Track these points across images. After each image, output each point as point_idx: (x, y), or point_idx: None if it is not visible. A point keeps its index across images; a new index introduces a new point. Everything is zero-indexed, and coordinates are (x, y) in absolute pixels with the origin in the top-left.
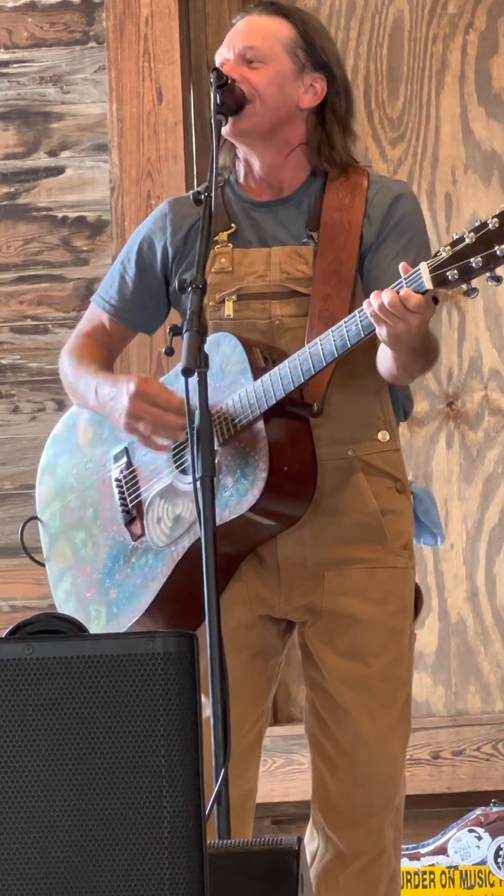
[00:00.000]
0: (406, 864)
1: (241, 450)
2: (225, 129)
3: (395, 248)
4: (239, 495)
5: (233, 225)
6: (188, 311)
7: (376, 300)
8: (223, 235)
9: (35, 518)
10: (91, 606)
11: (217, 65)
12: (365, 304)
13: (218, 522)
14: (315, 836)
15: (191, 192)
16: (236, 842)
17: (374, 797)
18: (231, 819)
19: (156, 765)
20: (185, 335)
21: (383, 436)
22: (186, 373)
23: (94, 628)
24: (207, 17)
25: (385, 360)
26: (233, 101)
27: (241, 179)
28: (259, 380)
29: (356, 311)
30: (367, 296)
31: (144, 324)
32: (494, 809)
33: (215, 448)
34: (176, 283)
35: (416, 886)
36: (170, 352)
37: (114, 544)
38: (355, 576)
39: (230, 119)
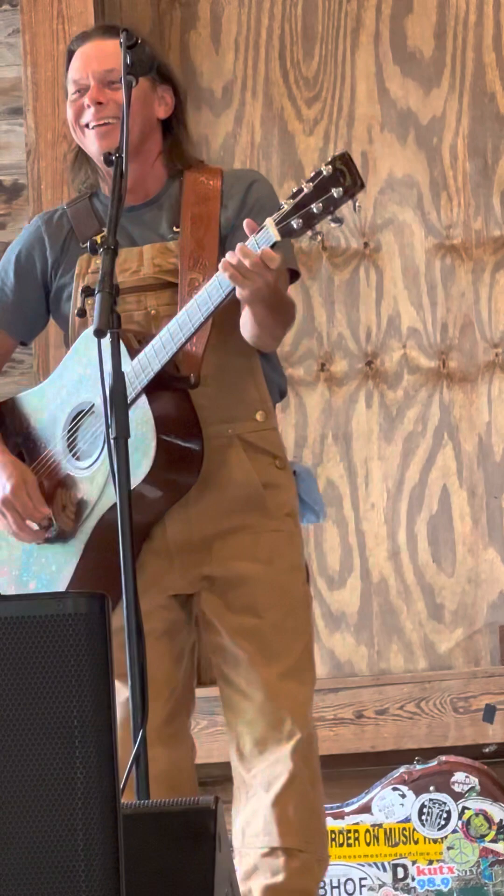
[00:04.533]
0: (331, 823)
1: (132, 429)
2: (94, 152)
3: None
4: (134, 468)
5: (104, 229)
6: (100, 272)
7: (234, 258)
8: (97, 239)
9: None
10: None
11: (74, 91)
12: (221, 265)
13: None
14: (239, 792)
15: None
16: (153, 802)
17: (279, 733)
18: (160, 793)
19: (68, 726)
20: (97, 296)
21: (261, 416)
22: (98, 334)
23: None
24: None
25: (247, 322)
26: (143, 60)
27: (107, 190)
28: (135, 358)
29: (215, 275)
30: None
31: (26, 332)
32: (418, 767)
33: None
34: (58, 286)
35: (341, 845)
36: (81, 313)
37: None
38: (241, 540)
39: (98, 140)
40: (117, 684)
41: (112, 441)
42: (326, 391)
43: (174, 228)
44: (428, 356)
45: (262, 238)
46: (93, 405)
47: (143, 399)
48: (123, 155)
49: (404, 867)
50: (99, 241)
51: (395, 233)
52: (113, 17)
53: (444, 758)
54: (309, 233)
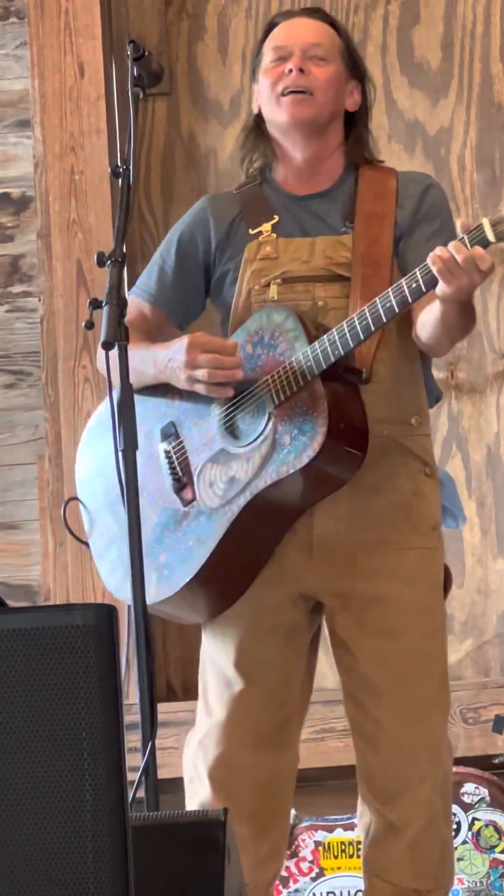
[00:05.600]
0: (341, 834)
1: (298, 410)
2: (281, 121)
3: (428, 231)
4: (297, 451)
5: (275, 216)
6: (108, 285)
7: (445, 252)
8: (267, 226)
9: (75, 499)
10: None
11: (275, 58)
12: (430, 258)
13: (276, 478)
14: (366, 811)
15: (227, 190)
16: (163, 813)
17: (418, 770)
18: (256, 800)
19: (77, 738)
20: (105, 308)
21: (416, 420)
22: (106, 346)
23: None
24: None
25: (430, 322)
26: (150, 74)
27: (280, 175)
28: (317, 342)
29: (416, 270)
30: (404, 274)
31: (182, 314)
32: None
33: (271, 410)
34: (222, 270)
35: (352, 856)
36: (89, 325)
37: (162, 513)
38: (385, 556)
39: (290, 107)
40: (236, 677)
41: (120, 453)
42: None
43: (347, 223)
44: (437, 367)
45: (475, 237)
46: (257, 385)
47: (319, 383)
48: (130, 167)
49: None
50: (106, 254)
51: None
52: (120, 29)
53: (453, 769)
54: None
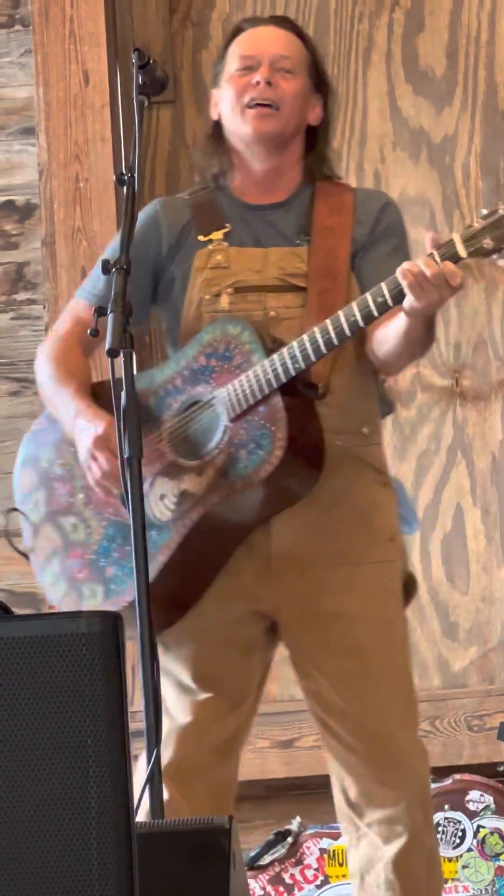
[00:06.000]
0: (347, 842)
1: (255, 423)
2: (245, 133)
3: (386, 249)
4: (254, 464)
5: (227, 225)
6: (112, 292)
7: (416, 269)
8: (219, 234)
9: (15, 510)
10: (84, 587)
11: (241, 67)
12: (400, 274)
13: (228, 493)
14: (345, 824)
15: (180, 193)
16: (168, 821)
17: (386, 788)
18: (210, 803)
19: (82, 745)
20: (110, 316)
21: (368, 429)
22: (111, 353)
23: (89, 607)
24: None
25: (392, 337)
26: (154, 82)
27: (235, 184)
28: (274, 355)
29: (382, 284)
30: (361, 290)
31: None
32: (432, 785)
33: (226, 423)
34: (171, 275)
35: None
36: (94, 332)
37: (110, 525)
38: (343, 572)
39: (255, 120)
40: (194, 687)
41: (125, 460)
42: None
43: (303, 235)
44: (441, 375)
45: (446, 253)
46: (213, 398)
47: (277, 398)
48: (135, 174)
49: None
50: (111, 261)
51: None
52: (125, 37)
53: (458, 776)
54: (495, 256)
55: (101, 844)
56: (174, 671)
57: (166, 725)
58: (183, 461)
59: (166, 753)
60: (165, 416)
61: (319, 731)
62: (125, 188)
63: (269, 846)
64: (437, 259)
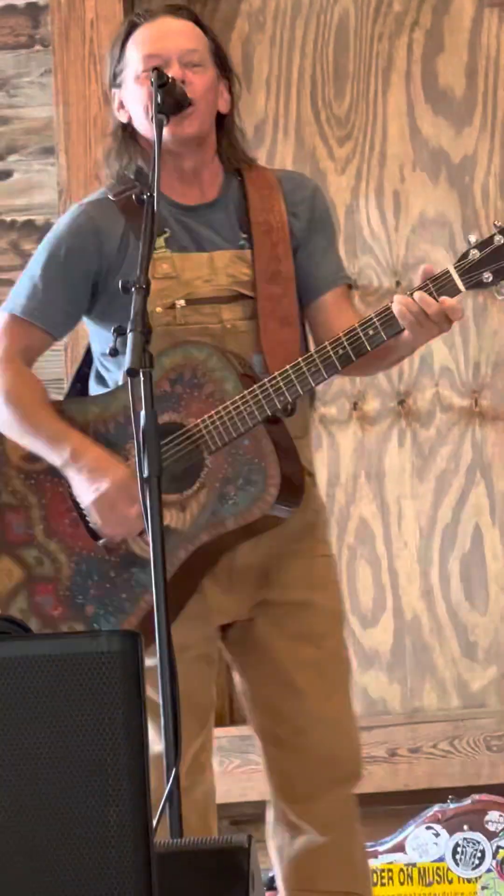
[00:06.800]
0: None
1: (241, 458)
2: (165, 138)
3: (323, 243)
4: (247, 501)
5: (166, 230)
6: (132, 312)
7: (414, 308)
8: (160, 240)
9: None
10: (62, 625)
11: (149, 65)
12: (397, 311)
13: (220, 531)
14: (278, 832)
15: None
16: (187, 840)
17: (338, 773)
18: (198, 819)
19: (101, 764)
20: (130, 336)
21: (302, 431)
22: (131, 373)
23: None
24: None
25: (378, 359)
26: (173, 100)
27: (165, 184)
28: (256, 386)
29: (372, 316)
30: (302, 289)
31: (61, 329)
32: (451, 806)
33: (207, 456)
34: (119, 284)
35: (375, 884)
36: (114, 352)
37: (81, 561)
38: (296, 565)
39: (172, 126)
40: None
41: (143, 480)
42: (359, 430)
43: (243, 235)
44: (460, 395)
45: (442, 287)
46: (190, 428)
47: (262, 431)
48: (155, 194)
49: None
50: (131, 281)
51: None
52: None
53: (477, 796)
54: (493, 288)
55: (120, 864)
56: (150, 694)
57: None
58: (166, 494)
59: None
60: (129, 445)
61: (259, 724)
62: (144, 208)
63: None
64: (434, 294)
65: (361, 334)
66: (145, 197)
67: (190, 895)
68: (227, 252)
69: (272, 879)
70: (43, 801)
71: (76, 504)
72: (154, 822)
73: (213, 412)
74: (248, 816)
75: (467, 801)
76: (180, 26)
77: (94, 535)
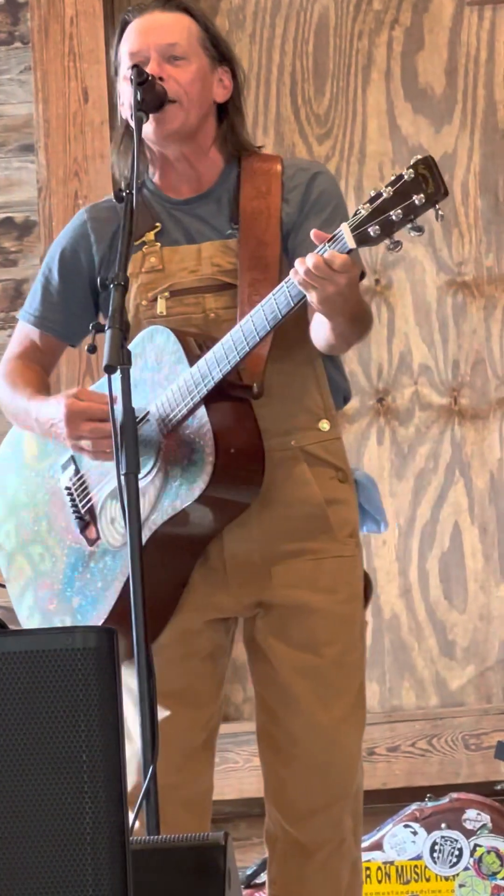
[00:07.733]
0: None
1: (186, 438)
2: (149, 134)
3: (318, 222)
4: (189, 483)
5: (157, 224)
6: (110, 308)
7: (301, 266)
8: (150, 235)
9: None
10: (55, 618)
11: (133, 63)
12: (291, 272)
13: (171, 513)
14: (272, 829)
15: (106, 196)
16: (163, 838)
17: (331, 785)
18: (191, 817)
19: (77, 760)
20: (108, 332)
21: (324, 425)
22: (108, 370)
23: None
24: None
25: (321, 330)
26: (153, 98)
27: (159, 178)
28: (195, 365)
29: (283, 282)
30: None
31: (73, 334)
32: (429, 804)
33: (160, 440)
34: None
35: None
36: (92, 349)
37: (71, 553)
38: (303, 567)
39: (154, 122)
40: (161, 704)
41: (122, 477)
42: None
43: (233, 225)
44: (439, 393)
45: (336, 245)
46: (147, 413)
47: (202, 410)
48: (133, 191)
49: None
50: (109, 277)
51: (406, 269)
52: None
53: (455, 795)
54: (387, 241)
55: (95, 860)
56: (134, 689)
57: (127, 750)
58: None
59: (130, 780)
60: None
61: (261, 726)
62: (123, 205)
63: (265, 865)
64: (325, 252)
65: (274, 301)
66: (124, 194)
67: (166, 892)
68: (216, 242)
69: (249, 877)
70: (17, 797)
71: (71, 499)
72: (149, 821)
73: (163, 396)
74: (225, 815)
75: (445, 800)
76: (163, 20)
77: (81, 527)
